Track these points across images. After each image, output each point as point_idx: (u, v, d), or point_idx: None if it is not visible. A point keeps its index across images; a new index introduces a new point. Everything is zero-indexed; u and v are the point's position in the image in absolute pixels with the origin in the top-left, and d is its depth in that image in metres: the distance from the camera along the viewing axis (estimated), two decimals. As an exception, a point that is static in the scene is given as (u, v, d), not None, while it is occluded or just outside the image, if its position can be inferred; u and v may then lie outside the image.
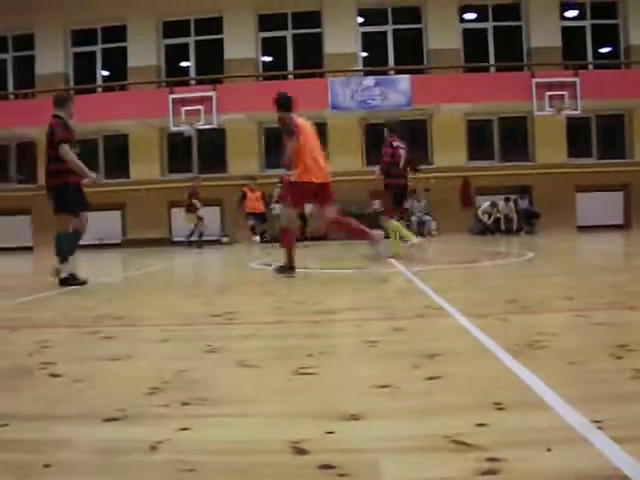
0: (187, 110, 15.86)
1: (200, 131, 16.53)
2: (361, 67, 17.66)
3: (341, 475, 1.33)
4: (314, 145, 6.19)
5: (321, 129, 17.23)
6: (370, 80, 16.27)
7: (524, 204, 16.58)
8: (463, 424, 1.60)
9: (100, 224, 17.03)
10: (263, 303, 4.57)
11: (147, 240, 16.42)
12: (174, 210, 16.68)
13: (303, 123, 6.30)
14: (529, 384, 1.95)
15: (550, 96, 15.29)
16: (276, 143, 17.24)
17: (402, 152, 8.54)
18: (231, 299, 4.87)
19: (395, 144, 8.56)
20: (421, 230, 16.12)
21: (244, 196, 14.08)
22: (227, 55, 17.56)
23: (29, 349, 2.92)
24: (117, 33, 18.02)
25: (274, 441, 1.56)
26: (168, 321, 3.77)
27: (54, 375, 2.35)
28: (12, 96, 18.51)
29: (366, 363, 2.49)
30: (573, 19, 17.70)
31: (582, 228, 16.20)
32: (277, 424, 1.71)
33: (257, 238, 15.15)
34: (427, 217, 16.31)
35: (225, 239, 16.01)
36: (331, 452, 1.46)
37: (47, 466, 1.45)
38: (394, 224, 8.39)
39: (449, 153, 16.87)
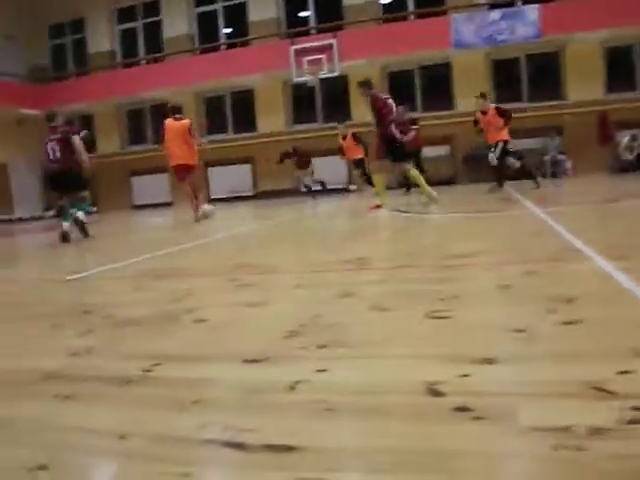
0: (309, 60, 15.90)
1: (323, 80, 16.53)
2: (485, 0, 16.71)
3: (477, 418, 1.32)
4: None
5: (444, 69, 16.78)
6: (495, 13, 15.38)
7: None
8: (604, 371, 1.52)
9: (231, 178, 17.76)
10: (393, 249, 4.56)
11: (277, 191, 16.86)
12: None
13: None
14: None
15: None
16: (401, 86, 16.94)
17: (392, 102, 8.71)
18: (362, 245, 4.91)
19: (384, 96, 8.78)
20: (555, 170, 15.29)
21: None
22: (346, 1, 17.27)
23: (175, 296, 3.13)
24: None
25: (408, 382, 1.57)
26: (301, 268, 3.87)
27: (198, 320, 2.51)
28: (144, 61, 19.49)
29: (500, 307, 2.43)
30: None
31: None
32: (411, 366, 1.72)
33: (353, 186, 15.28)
34: (561, 156, 15.40)
35: (352, 187, 16.07)
36: (466, 395, 1.45)
37: (196, 402, 1.56)
38: (414, 173, 8.72)
39: (584, 86, 15.65)
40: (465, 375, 1.58)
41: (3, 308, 3.41)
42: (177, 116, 9.52)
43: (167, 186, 18.01)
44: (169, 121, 9.50)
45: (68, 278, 4.22)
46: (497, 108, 10.68)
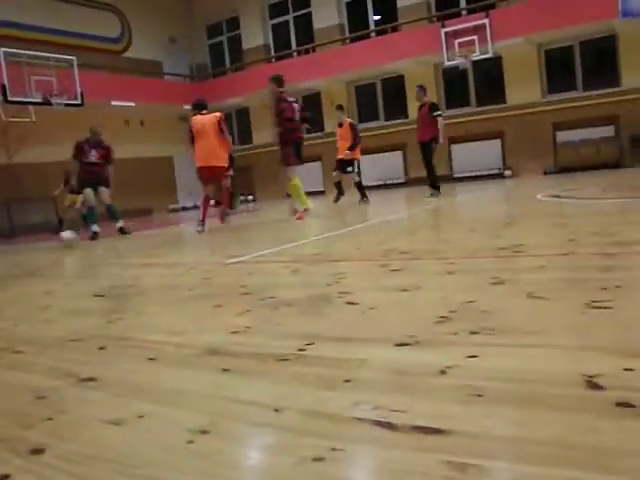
0: (460, 42, 15.49)
1: (475, 63, 16.05)
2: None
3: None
4: None
5: (609, 43, 15.50)
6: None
7: None
8: None
9: (383, 165, 17.81)
10: (552, 235, 4.34)
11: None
12: (454, 147, 16.61)
13: None
14: None
15: None
16: (560, 64, 15.98)
17: (296, 105, 8.58)
18: (517, 232, 4.72)
19: (290, 98, 8.57)
20: None
21: None
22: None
23: (328, 280, 3.22)
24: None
25: (565, 373, 1.50)
26: (453, 254, 3.80)
27: (350, 303, 2.56)
28: (295, 53, 20.08)
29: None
30: None
31: None
32: (568, 357, 1.64)
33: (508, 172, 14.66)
34: None
35: (507, 172, 15.49)
36: (630, 390, 1.36)
37: (347, 381, 1.61)
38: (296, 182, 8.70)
39: None
40: (628, 369, 1.47)
41: (171, 289, 3.70)
42: (203, 112, 8.53)
43: (319, 175, 18.48)
44: (196, 117, 8.44)
45: (228, 262, 4.49)
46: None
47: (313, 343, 2.00)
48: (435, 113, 10.37)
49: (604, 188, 8.25)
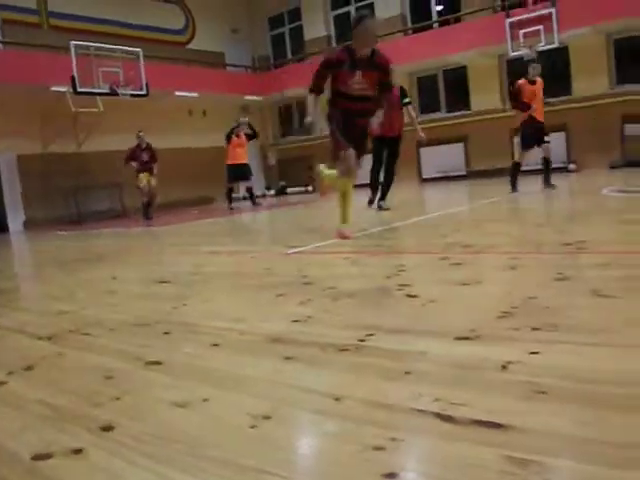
0: (525, 32, 15.08)
1: (540, 53, 15.61)
2: None
3: None
4: None
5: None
6: None
7: None
8: None
9: (443, 157, 17.59)
10: (619, 231, 4.21)
11: (490, 171, 16.37)
12: (517, 139, 16.22)
13: None
14: None
15: None
16: (630, 56, 15.38)
17: None
18: (583, 228, 4.60)
19: None
20: None
21: None
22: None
23: (388, 272, 3.23)
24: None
25: (631, 374, 1.47)
26: (516, 249, 3.75)
27: (410, 296, 2.57)
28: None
29: None
30: None
31: None
32: (635, 357, 1.60)
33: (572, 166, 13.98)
34: None
35: (572, 166, 15.04)
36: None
37: (407, 373, 1.62)
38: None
39: None
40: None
41: (234, 277, 3.79)
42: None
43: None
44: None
45: (289, 252, 4.54)
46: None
47: (373, 334, 2.01)
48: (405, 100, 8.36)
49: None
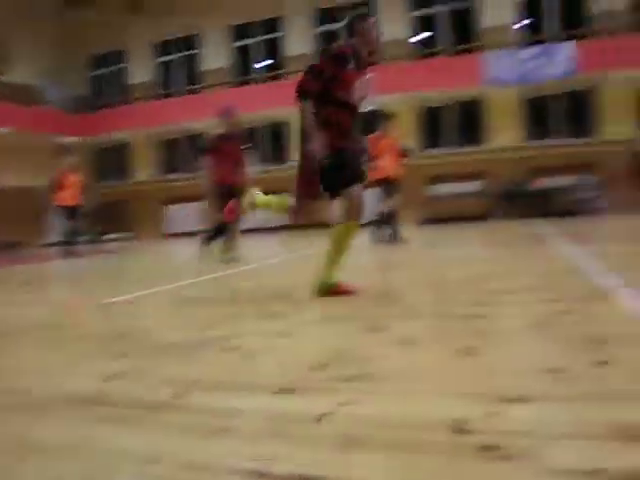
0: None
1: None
2: (519, 38, 16.79)
3: (504, 458, 1.31)
4: None
5: (477, 105, 16.79)
6: (530, 51, 15.45)
7: None
8: (633, 413, 1.51)
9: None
10: (424, 282, 4.55)
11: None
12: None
13: None
14: None
15: None
16: (433, 122, 17.04)
17: None
18: (389, 277, 4.89)
19: None
20: (588, 208, 15.09)
21: None
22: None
23: (208, 323, 3.18)
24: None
25: (435, 419, 1.57)
26: (330, 300, 3.86)
27: (229, 348, 2.54)
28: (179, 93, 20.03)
29: (532, 345, 2.40)
30: None
31: None
32: (439, 403, 1.72)
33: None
34: (595, 194, 15.18)
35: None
36: (494, 434, 1.45)
37: (225, 430, 1.59)
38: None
39: (620, 124, 15.54)
40: (494, 413, 1.57)
41: (45, 330, 3.49)
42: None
43: (198, 215, 18.32)
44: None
45: (105, 302, 4.31)
46: None
47: (190, 390, 1.96)
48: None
49: (469, 240, 8.77)
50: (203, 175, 7.36)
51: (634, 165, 15.25)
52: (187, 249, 8.47)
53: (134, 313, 3.89)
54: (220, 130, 7.48)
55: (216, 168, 7.21)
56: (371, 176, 8.31)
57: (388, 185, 8.69)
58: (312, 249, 8.66)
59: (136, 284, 5.46)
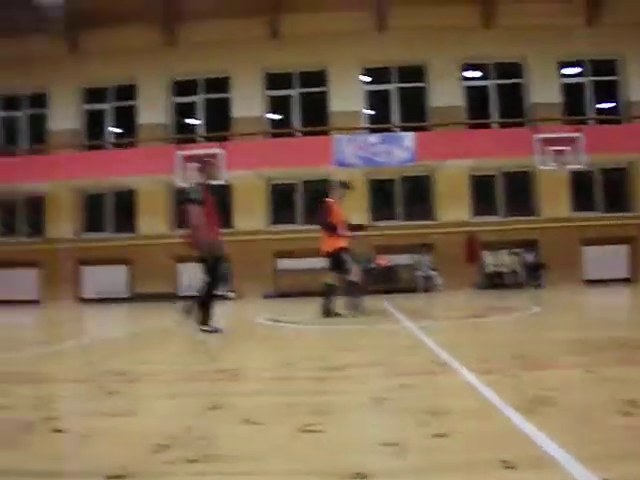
0: (195, 166, 16.06)
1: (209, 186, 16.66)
2: (366, 125, 17.98)
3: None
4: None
5: (326, 185, 17.54)
6: (375, 137, 16.55)
7: (530, 258, 16.61)
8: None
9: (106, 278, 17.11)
10: (269, 359, 4.54)
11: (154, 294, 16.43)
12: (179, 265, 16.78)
13: None
14: (537, 442, 1.92)
15: (553, 151, 15.49)
16: (284, 198, 17.52)
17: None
18: (237, 355, 4.85)
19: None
20: (427, 285, 16.10)
21: None
22: (235, 113, 17.93)
23: (34, 403, 2.91)
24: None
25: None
26: (173, 377, 3.74)
27: (58, 430, 2.33)
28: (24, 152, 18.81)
29: (372, 420, 2.46)
30: (574, 76, 18.11)
31: (589, 282, 16.14)
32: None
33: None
34: (432, 272, 16.31)
35: (231, 294, 16.01)
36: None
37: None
38: None
39: (453, 208, 17.03)
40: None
41: None
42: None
43: (123, 278, 17.04)
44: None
45: None
46: None
47: (9, 481, 1.76)
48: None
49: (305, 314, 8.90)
50: (196, 231, 6.44)
51: (468, 245, 16.64)
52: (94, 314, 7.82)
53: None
54: (201, 180, 7.01)
55: (207, 223, 6.56)
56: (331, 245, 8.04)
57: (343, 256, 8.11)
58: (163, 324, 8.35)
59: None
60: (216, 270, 6.50)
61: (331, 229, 8.00)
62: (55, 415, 2.61)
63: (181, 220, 6.68)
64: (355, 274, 8.13)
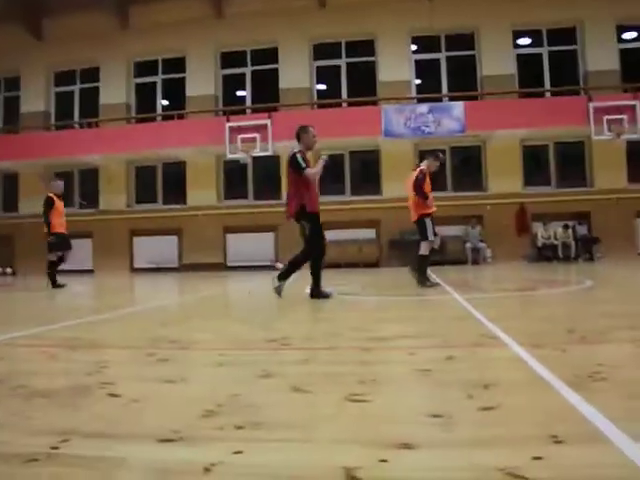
0: (243, 138, 16.19)
1: (255, 158, 16.82)
2: (415, 94, 17.70)
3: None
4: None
5: (374, 156, 17.46)
6: (424, 107, 16.30)
7: (582, 230, 16.19)
8: (519, 457, 1.56)
9: (157, 249, 17.51)
10: (316, 329, 4.58)
11: (202, 264, 16.72)
12: (229, 236, 17.02)
13: None
14: (588, 417, 1.89)
15: (608, 120, 14.94)
16: (330, 169, 17.47)
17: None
18: (285, 325, 4.90)
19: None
20: (475, 257, 15.91)
21: None
22: (282, 84, 17.89)
23: (90, 368, 3.02)
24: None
25: (327, 467, 1.56)
26: (223, 345, 3.81)
27: (112, 395, 2.42)
28: (77, 125, 19.36)
29: (419, 392, 2.46)
30: (630, 41, 17.36)
31: (643, 255, 15.70)
32: (330, 450, 1.71)
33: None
34: (481, 244, 16.09)
35: (278, 264, 16.15)
36: (384, 480, 1.44)
37: (105, 483, 1.50)
38: None
39: (504, 179, 16.68)
40: (383, 460, 1.58)
41: None
42: None
43: (174, 249, 17.61)
44: None
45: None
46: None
47: (69, 440, 1.83)
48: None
49: (367, 286, 8.95)
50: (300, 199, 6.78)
51: (518, 217, 16.32)
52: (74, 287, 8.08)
53: (6, 356, 3.63)
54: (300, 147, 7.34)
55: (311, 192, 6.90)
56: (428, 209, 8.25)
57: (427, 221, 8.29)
58: (204, 292, 8.50)
59: (14, 323, 5.11)
60: (321, 234, 6.84)
61: (425, 197, 8.17)
62: (110, 380, 2.70)
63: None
64: (426, 247, 8.26)
